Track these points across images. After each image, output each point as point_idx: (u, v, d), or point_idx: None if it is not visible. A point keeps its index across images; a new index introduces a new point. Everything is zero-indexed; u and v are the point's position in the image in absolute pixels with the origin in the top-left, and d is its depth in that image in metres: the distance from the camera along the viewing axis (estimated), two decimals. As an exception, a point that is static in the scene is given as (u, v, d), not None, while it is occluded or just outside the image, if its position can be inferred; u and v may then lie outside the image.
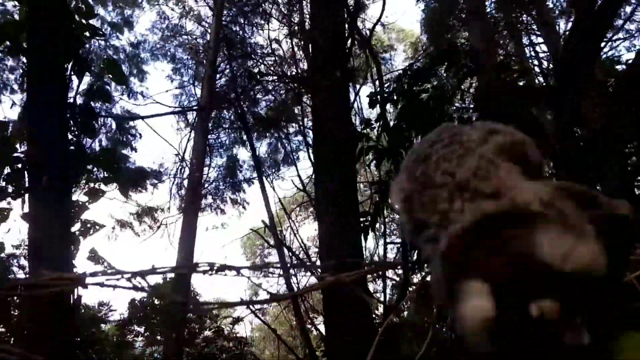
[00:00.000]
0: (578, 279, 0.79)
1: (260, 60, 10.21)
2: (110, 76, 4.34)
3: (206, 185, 12.11)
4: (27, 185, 3.83)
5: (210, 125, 11.10)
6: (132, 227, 13.13)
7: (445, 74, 4.82)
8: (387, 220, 8.28)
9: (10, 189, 3.94)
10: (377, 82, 7.29)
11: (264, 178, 8.80)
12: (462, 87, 4.67)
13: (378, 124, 4.40)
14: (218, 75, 11.00)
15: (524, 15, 9.70)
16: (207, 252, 23.57)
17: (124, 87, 7.38)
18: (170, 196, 12.10)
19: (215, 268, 1.20)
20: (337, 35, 5.75)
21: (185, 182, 11.42)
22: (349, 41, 6.42)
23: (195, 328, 10.59)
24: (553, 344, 0.81)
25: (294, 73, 9.34)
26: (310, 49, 6.89)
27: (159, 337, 10.05)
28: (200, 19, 12.40)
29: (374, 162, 4.33)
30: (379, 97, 4.33)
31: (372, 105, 4.34)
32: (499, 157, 1.08)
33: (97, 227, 4.11)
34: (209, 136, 11.32)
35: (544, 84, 5.25)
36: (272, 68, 10.02)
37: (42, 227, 3.62)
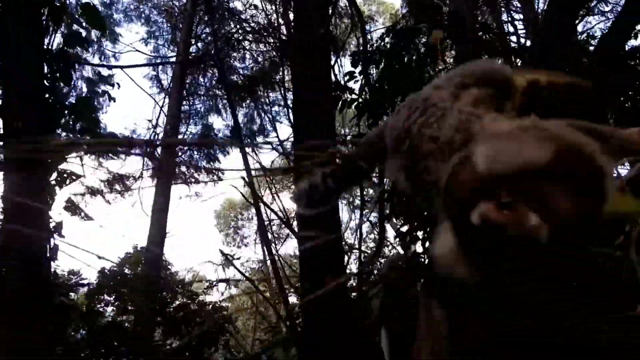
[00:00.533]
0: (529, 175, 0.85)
1: (239, 25, 10.01)
2: (87, 23, 4.20)
3: (180, 153, 11.92)
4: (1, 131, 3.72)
5: (185, 91, 10.89)
6: (103, 195, 12.87)
7: (427, 38, 4.86)
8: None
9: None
10: (360, 42, 7.24)
11: (243, 141, 8.72)
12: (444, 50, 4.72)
13: (361, 77, 4.42)
14: (195, 40, 10.76)
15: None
16: (180, 220, 23.88)
17: (102, 33, 7.14)
18: (142, 163, 11.88)
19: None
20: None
21: (159, 150, 11.21)
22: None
23: (168, 296, 10.55)
24: (509, 242, 0.86)
25: (273, 38, 9.23)
26: (292, 13, 6.79)
27: (130, 307, 9.96)
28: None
29: (355, 117, 4.36)
30: (362, 56, 4.34)
31: (354, 64, 4.36)
32: (480, 108, 1.12)
33: (74, 177, 4.03)
34: (184, 102, 11.12)
35: (523, 54, 5.35)
36: (251, 32, 9.87)
37: (17, 174, 3.54)
